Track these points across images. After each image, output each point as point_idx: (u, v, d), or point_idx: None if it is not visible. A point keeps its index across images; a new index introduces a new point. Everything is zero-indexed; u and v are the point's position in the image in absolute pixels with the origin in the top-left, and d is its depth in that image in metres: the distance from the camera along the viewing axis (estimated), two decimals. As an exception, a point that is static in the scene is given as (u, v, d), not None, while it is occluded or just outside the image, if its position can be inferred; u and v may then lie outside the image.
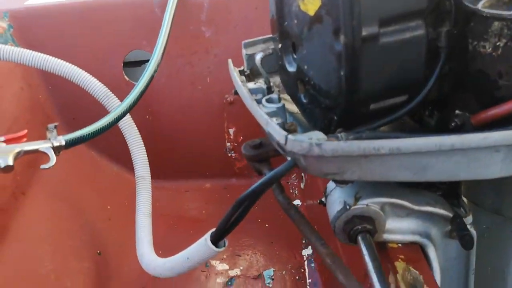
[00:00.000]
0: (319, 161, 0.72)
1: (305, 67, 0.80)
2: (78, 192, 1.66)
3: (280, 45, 0.91)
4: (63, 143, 1.01)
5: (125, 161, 1.94)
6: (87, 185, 1.73)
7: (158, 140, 1.87)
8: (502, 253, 1.02)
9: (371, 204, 0.88)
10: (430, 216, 0.94)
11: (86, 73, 1.44)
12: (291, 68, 0.89)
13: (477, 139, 0.68)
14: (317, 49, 0.75)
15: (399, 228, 0.93)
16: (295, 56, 0.88)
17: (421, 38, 0.72)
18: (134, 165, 1.51)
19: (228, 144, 1.92)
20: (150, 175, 1.51)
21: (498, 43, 0.71)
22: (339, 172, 0.73)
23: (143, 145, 1.52)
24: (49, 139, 1.01)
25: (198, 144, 1.91)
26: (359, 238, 0.86)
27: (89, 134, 1.07)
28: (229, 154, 1.93)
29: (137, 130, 1.52)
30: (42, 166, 0.95)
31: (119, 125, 1.51)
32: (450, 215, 0.91)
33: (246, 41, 1.05)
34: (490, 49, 0.72)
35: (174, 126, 1.87)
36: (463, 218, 0.93)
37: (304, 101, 0.86)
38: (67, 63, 1.42)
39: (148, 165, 1.51)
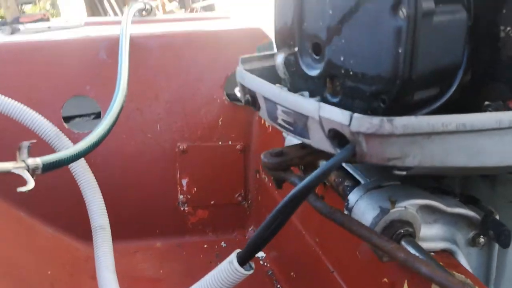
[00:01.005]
0: (382, 144, 0.67)
1: (341, 58, 0.77)
2: (12, 257, 1.40)
3: (296, 50, 0.87)
4: (40, 164, 0.85)
5: (62, 222, 1.72)
6: (21, 249, 1.47)
7: (102, 194, 1.68)
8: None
9: (408, 206, 0.83)
10: (455, 221, 0.91)
11: (32, 111, 1.28)
12: (312, 71, 0.85)
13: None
14: (361, 33, 0.72)
15: (430, 235, 0.88)
16: (316, 57, 0.84)
17: (463, 21, 0.73)
18: (90, 214, 1.32)
19: (181, 196, 1.78)
20: (109, 224, 1.33)
21: (531, 27, 0.74)
22: (402, 156, 0.68)
23: (99, 189, 1.35)
24: (22, 160, 0.84)
25: (148, 198, 1.75)
26: (404, 242, 0.80)
27: (68, 157, 0.92)
28: (182, 208, 1.79)
29: (92, 174, 1.35)
30: (19, 189, 0.79)
31: (70, 169, 1.33)
32: (478, 217, 0.89)
33: (244, 56, 1.00)
34: (524, 33, 0.75)
35: (120, 178, 1.71)
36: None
37: (333, 100, 0.82)
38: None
39: (106, 212, 1.34)
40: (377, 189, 0.88)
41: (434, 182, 0.96)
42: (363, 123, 0.65)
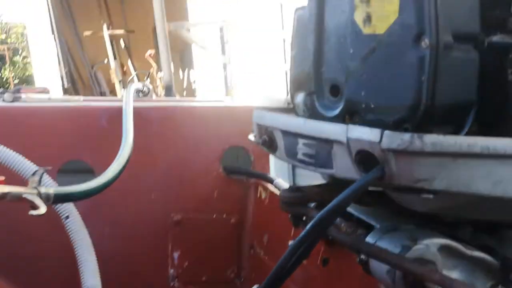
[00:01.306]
0: (412, 163, 0.68)
1: (362, 93, 0.80)
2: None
3: (314, 95, 0.91)
4: (52, 194, 0.83)
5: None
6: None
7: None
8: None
9: (430, 244, 0.82)
10: (474, 269, 0.89)
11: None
12: (331, 112, 0.88)
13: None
14: (384, 66, 0.76)
15: (450, 280, 0.86)
16: (334, 99, 0.88)
17: (475, 61, 0.79)
18: (82, 273, 1.25)
19: (172, 270, 1.70)
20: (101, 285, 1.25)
21: (537, 69, 0.80)
22: (430, 178, 0.69)
23: (93, 249, 1.29)
24: (34, 187, 0.82)
25: (137, 270, 1.67)
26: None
27: (79, 192, 0.89)
28: (171, 284, 1.70)
29: (87, 232, 1.30)
30: (31, 212, 0.76)
31: (65, 225, 1.28)
32: (496, 262, 0.88)
33: (257, 109, 1.03)
34: (531, 75, 0.80)
35: (109, 245, 1.63)
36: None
37: (352, 136, 0.84)
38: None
39: (99, 274, 1.26)
40: (395, 231, 0.87)
41: (448, 230, 0.95)
42: (394, 139, 0.66)
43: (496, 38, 0.83)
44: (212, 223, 1.76)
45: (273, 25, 3.93)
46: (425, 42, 0.71)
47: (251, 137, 0.99)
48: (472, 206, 0.80)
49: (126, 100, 1.67)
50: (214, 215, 1.76)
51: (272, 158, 1.54)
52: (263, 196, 1.69)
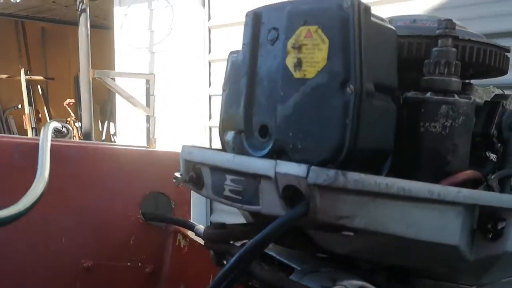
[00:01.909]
0: (335, 200, 0.71)
1: (290, 134, 0.83)
2: None
3: (243, 135, 0.93)
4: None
5: None
6: None
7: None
8: None
9: (349, 285, 0.84)
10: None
11: None
12: (259, 153, 0.90)
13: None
14: (312, 109, 0.81)
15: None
16: (263, 139, 0.90)
17: (393, 112, 0.86)
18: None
19: (77, 323, 1.58)
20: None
21: (445, 123, 0.88)
22: (351, 215, 0.73)
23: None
24: None
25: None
26: (346, 319, 0.79)
27: None
28: (75, 337, 1.57)
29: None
30: None
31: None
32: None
33: (185, 146, 1.04)
34: (440, 128, 0.88)
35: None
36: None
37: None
38: None
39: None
40: (315, 273, 0.89)
41: (364, 275, 0.98)
42: (320, 174, 0.69)
43: (411, 94, 0.91)
44: (125, 272, 1.67)
45: (199, 80, 4.00)
46: (350, 88, 0.77)
47: (177, 174, 0.98)
48: (388, 248, 0.84)
49: (44, 136, 1.59)
50: (129, 263, 1.68)
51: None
52: (182, 244, 1.65)
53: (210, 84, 4.01)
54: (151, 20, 4.14)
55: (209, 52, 3.94)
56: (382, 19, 0.86)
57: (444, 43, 0.89)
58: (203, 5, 3.89)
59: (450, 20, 0.92)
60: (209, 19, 3.93)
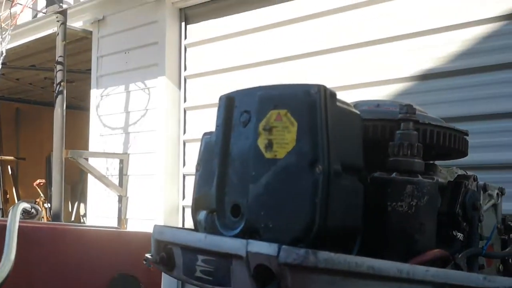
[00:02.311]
0: (306, 278, 0.71)
1: (262, 213, 0.85)
2: None
3: (216, 214, 0.94)
4: None
5: None
6: None
7: None
8: None
9: None
10: None
11: None
12: (231, 232, 0.91)
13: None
14: (282, 189, 0.83)
15: None
16: (235, 219, 0.91)
17: (360, 191, 0.88)
18: None
19: None
20: None
21: (411, 203, 0.91)
22: (322, 295, 0.72)
23: None
24: None
25: None
26: None
27: None
28: None
29: None
30: None
31: None
32: None
33: (157, 225, 1.03)
34: (406, 207, 0.91)
35: None
36: None
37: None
38: None
39: None
40: None
41: None
42: (290, 254, 0.70)
43: (377, 174, 0.95)
44: None
45: (173, 160, 4.02)
46: (319, 168, 0.80)
47: (148, 255, 0.97)
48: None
49: (12, 217, 1.56)
50: None
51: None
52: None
53: (184, 164, 4.03)
54: (127, 101, 4.22)
55: (184, 132, 4.00)
56: (347, 104, 0.92)
57: (406, 127, 0.95)
58: (179, 87, 4.01)
59: (410, 105, 0.98)
60: (185, 100, 4.03)
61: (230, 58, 3.72)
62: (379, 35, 2.98)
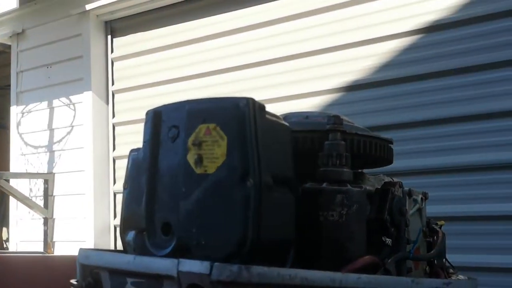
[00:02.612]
0: (240, 295, 0.70)
1: (194, 231, 0.83)
2: None
3: (145, 234, 0.91)
4: None
5: None
6: None
7: None
8: None
9: None
10: None
11: None
12: (162, 251, 0.88)
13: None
14: (213, 204, 0.82)
15: None
16: (166, 237, 0.88)
17: (292, 203, 0.89)
18: None
19: None
20: None
21: (342, 212, 0.93)
22: (257, 310, 0.71)
23: None
24: None
25: None
26: None
27: None
28: None
29: None
30: None
31: None
32: None
33: (82, 249, 0.98)
34: (337, 217, 0.93)
35: None
36: None
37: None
38: None
39: None
40: None
41: None
42: (223, 271, 0.68)
43: (308, 185, 0.96)
44: None
45: (103, 178, 3.88)
46: (250, 182, 0.79)
47: (73, 281, 0.91)
48: None
49: None
50: None
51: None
52: None
53: (114, 182, 3.90)
54: (51, 118, 4.03)
55: (114, 149, 3.88)
56: (276, 116, 0.92)
57: (334, 137, 0.96)
58: (107, 102, 3.88)
59: (337, 116, 1.00)
60: (113, 116, 3.91)
61: (158, 71, 3.67)
62: (306, 48, 3.06)
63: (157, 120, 0.93)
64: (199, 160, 0.83)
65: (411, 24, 2.73)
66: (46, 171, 4.00)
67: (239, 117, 0.82)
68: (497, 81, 2.52)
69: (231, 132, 0.82)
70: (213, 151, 0.83)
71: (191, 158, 0.85)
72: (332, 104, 2.93)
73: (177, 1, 3.57)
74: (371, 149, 1.07)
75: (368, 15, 2.89)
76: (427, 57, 2.69)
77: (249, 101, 0.84)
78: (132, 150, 0.98)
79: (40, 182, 4.00)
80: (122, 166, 3.86)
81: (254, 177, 0.79)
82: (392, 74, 2.80)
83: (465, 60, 2.59)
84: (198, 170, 0.84)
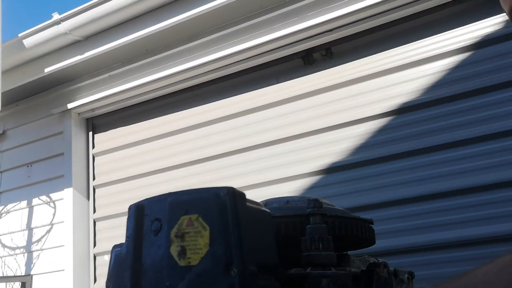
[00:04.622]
0: None
1: (178, 325, 0.81)
2: None
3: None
4: None
5: None
6: None
7: None
8: None
9: None
10: None
11: None
12: None
13: None
14: (198, 296, 0.81)
15: None
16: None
17: (278, 290, 0.88)
18: None
19: None
20: None
21: (329, 296, 0.92)
22: None
23: None
24: None
25: None
26: None
27: None
28: None
29: None
30: None
31: None
32: None
33: None
34: (324, 302, 0.92)
35: None
36: None
37: None
38: None
39: None
40: None
41: None
42: None
43: (293, 271, 0.96)
44: None
45: (83, 276, 3.74)
46: (234, 271, 0.79)
47: None
48: None
49: None
50: None
51: None
52: None
53: (95, 280, 3.77)
54: (30, 217, 3.96)
55: (94, 245, 3.79)
56: (256, 203, 0.94)
57: (315, 221, 0.98)
58: (88, 198, 3.86)
59: (317, 199, 1.02)
60: (94, 211, 3.87)
61: (139, 164, 3.70)
62: (282, 134, 3.15)
63: (139, 214, 0.94)
64: (182, 252, 0.83)
65: (383, 106, 2.86)
66: (23, 274, 3.85)
67: (220, 207, 0.84)
68: (479, 155, 2.58)
69: (213, 222, 0.83)
70: (196, 242, 0.83)
71: (174, 250, 0.85)
72: (312, 187, 2.97)
73: (154, 97, 3.70)
74: (352, 231, 1.08)
75: (341, 100, 3.03)
76: (401, 137, 2.80)
77: (230, 190, 0.86)
78: (114, 246, 0.97)
79: (17, 286, 3.84)
80: (102, 263, 3.76)
81: (238, 266, 0.79)
82: (364, 156, 2.88)
83: (443, 137, 2.69)
84: (182, 263, 0.84)
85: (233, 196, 0.85)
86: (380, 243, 1.32)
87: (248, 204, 0.89)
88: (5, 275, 3.91)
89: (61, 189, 3.84)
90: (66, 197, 3.82)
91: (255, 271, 0.81)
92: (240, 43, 3.26)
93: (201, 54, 3.40)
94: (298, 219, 1.03)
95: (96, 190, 3.92)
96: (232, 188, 0.86)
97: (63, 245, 3.76)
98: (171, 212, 0.89)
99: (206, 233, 0.82)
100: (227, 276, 0.78)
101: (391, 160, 2.79)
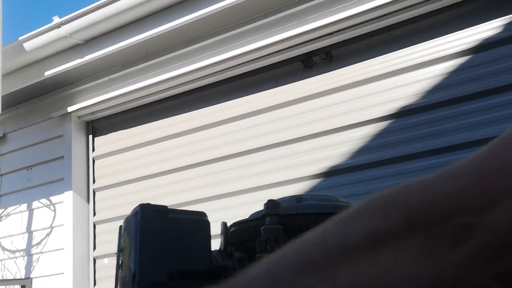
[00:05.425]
0: None
1: None
2: None
3: None
4: None
5: None
6: None
7: None
8: None
9: None
10: None
11: None
12: None
13: None
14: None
15: None
16: None
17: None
18: None
19: None
20: None
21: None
22: None
23: None
24: None
25: None
26: None
27: None
28: None
29: None
30: None
31: None
32: None
33: None
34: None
35: None
36: None
37: None
38: None
39: None
40: None
41: None
42: None
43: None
44: None
45: (83, 279, 3.73)
46: (137, 282, 0.78)
47: None
48: None
49: None
50: None
51: None
52: None
53: (95, 283, 3.76)
54: (30, 220, 3.97)
55: (94, 248, 3.78)
56: (188, 214, 0.94)
57: (270, 221, 0.94)
58: (88, 201, 3.85)
59: (272, 200, 0.97)
60: (94, 214, 3.86)
61: (138, 167, 3.69)
62: (276, 139, 3.12)
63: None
64: (121, 265, 0.84)
65: (383, 110, 2.81)
66: (23, 277, 3.86)
67: (135, 223, 0.86)
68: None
69: (130, 238, 0.86)
70: (125, 255, 0.84)
71: (119, 263, 0.85)
72: (312, 190, 2.93)
73: (154, 100, 3.69)
74: (307, 229, 1.03)
75: (341, 103, 2.98)
76: (401, 140, 2.74)
77: (142, 207, 0.87)
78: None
79: (17, 288, 3.85)
80: (102, 266, 3.75)
81: (140, 277, 0.80)
82: (363, 159, 2.83)
83: (438, 141, 2.64)
84: (122, 273, 0.83)
85: (145, 212, 0.87)
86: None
87: (171, 216, 0.88)
88: (5, 278, 3.92)
89: (61, 192, 3.84)
90: (66, 200, 3.82)
91: (163, 280, 0.81)
92: (239, 46, 3.23)
93: (201, 58, 3.38)
94: (255, 222, 0.99)
95: (96, 193, 3.91)
96: (147, 204, 0.86)
97: (63, 248, 3.76)
98: (121, 229, 0.92)
99: (128, 248, 0.83)
100: (134, 286, 0.78)
101: (391, 163, 2.74)
